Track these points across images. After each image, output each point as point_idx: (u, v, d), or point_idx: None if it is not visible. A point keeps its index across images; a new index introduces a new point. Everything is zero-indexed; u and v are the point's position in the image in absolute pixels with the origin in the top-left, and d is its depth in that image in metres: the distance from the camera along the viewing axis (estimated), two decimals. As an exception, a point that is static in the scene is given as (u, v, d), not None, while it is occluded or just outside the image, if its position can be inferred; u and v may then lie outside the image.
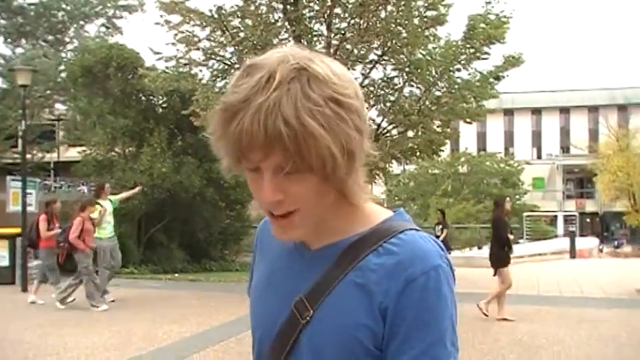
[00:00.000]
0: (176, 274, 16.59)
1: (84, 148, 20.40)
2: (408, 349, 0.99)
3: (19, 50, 25.86)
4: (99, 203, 11.01)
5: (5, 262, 14.38)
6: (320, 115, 0.93)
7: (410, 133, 14.83)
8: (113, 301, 11.06)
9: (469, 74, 14.41)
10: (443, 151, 16.84)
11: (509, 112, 48.99)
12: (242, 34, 13.45)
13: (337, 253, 1.07)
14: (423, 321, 0.99)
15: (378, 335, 1.01)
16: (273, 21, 13.54)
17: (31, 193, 14.60)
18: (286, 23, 13.40)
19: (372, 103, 14.52)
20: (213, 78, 14.53)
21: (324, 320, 1.04)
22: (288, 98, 0.92)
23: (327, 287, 1.05)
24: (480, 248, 22.54)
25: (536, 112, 52.16)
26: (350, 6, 13.17)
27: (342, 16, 13.54)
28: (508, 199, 11.08)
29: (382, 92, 14.47)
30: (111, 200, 11.37)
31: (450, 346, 1.01)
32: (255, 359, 1.18)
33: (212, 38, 13.78)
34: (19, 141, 18.86)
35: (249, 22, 13.39)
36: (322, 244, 1.10)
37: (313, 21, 13.65)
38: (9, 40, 25.47)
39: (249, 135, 0.93)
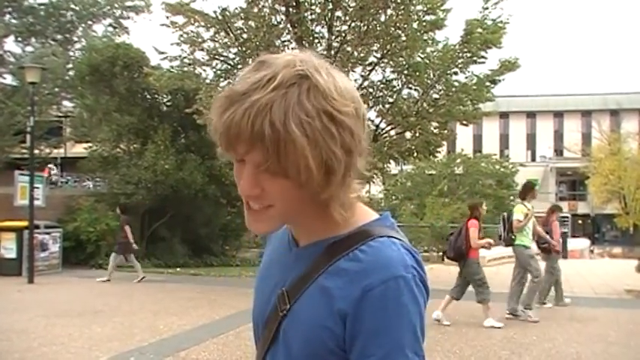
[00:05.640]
0: (178, 269, 16.76)
1: (90, 144, 20.61)
2: (368, 355, 1.00)
3: (28, 49, 25.92)
4: (525, 205, 9.55)
5: (12, 255, 14.66)
6: (307, 125, 0.94)
7: (408, 135, 14.95)
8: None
9: (466, 77, 14.54)
10: (439, 152, 16.94)
11: (504, 115, 49.36)
12: (245, 36, 13.61)
13: (317, 254, 1.08)
14: (381, 329, 0.99)
15: (340, 337, 1.02)
16: (275, 23, 13.69)
17: (38, 188, 14.83)
18: (288, 25, 13.51)
19: (370, 104, 14.70)
20: (217, 78, 14.67)
21: (296, 317, 1.08)
22: (281, 102, 0.93)
23: (302, 285, 1.08)
24: None
25: (531, 115, 52.49)
26: (351, 9, 13.29)
27: (342, 19, 13.67)
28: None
29: (381, 94, 14.66)
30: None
31: (412, 354, 1.01)
32: (256, 344, 1.23)
33: (216, 39, 13.97)
34: (28, 137, 19.08)
35: (252, 23, 13.53)
36: (307, 242, 1.12)
37: (314, 23, 13.79)
38: (19, 38, 25.54)
39: (236, 128, 0.95)
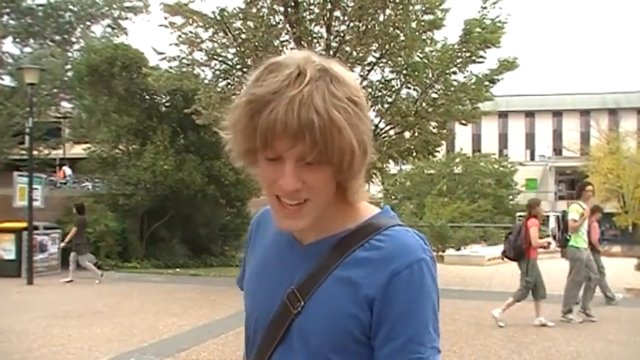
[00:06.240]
0: (177, 269, 16.80)
1: (89, 145, 20.60)
2: (396, 336, 1.06)
3: (27, 50, 25.93)
4: (580, 205, 9.39)
5: (12, 256, 14.64)
6: (344, 111, 1.01)
7: (407, 134, 14.90)
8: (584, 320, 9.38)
9: (465, 77, 14.51)
10: (439, 151, 16.87)
11: (503, 115, 49.41)
12: (244, 36, 13.56)
13: (327, 249, 1.14)
14: (408, 311, 1.07)
15: (366, 324, 1.08)
16: (274, 23, 13.65)
17: (37, 189, 14.83)
18: (287, 25, 13.49)
19: (370, 104, 14.74)
20: (216, 78, 14.67)
21: (315, 311, 1.11)
22: (317, 93, 1.00)
23: (317, 280, 1.12)
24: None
25: (530, 114, 52.58)
26: (349, 9, 13.26)
27: (341, 19, 13.64)
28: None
29: (380, 94, 14.63)
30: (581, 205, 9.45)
31: (433, 332, 1.09)
32: (249, 347, 1.27)
33: (214, 39, 13.92)
34: (26, 138, 19.10)
35: (250, 24, 13.51)
36: (313, 240, 1.17)
37: (313, 23, 13.75)
38: (18, 39, 25.54)
39: (282, 124, 0.98)
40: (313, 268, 1.14)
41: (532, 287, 8.98)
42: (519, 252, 8.96)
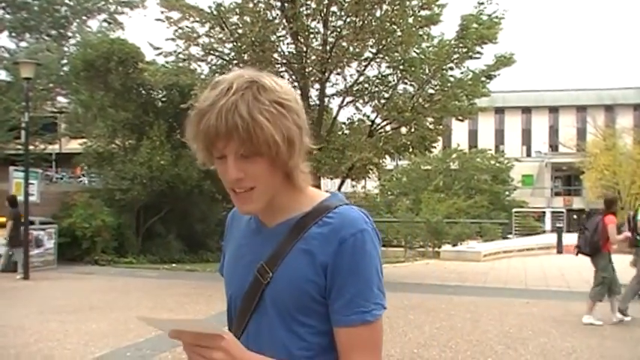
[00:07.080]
0: (173, 264, 16.78)
1: (85, 140, 20.56)
2: (345, 293, 1.29)
3: (23, 44, 25.85)
4: None
5: (8, 250, 14.62)
6: (266, 112, 1.23)
7: (403, 130, 14.96)
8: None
9: (461, 73, 14.56)
10: (435, 147, 16.90)
11: (500, 111, 49.48)
12: (240, 31, 13.55)
13: (288, 229, 1.36)
14: (354, 271, 1.29)
15: (322, 287, 1.31)
16: (271, 18, 13.66)
17: (33, 184, 14.78)
18: (284, 20, 13.51)
19: (366, 99, 14.74)
20: (212, 73, 14.60)
21: (281, 279, 1.33)
22: (242, 101, 1.22)
23: (281, 255, 1.34)
24: None
25: (526, 110, 52.66)
26: (346, 4, 13.27)
27: (338, 14, 13.67)
28: None
29: (376, 89, 14.66)
30: None
31: (377, 290, 1.31)
32: (228, 319, 1.47)
33: (211, 34, 13.91)
34: (22, 132, 19.08)
35: (247, 19, 13.49)
36: (275, 223, 1.39)
37: (310, 18, 13.75)
38: (13, 34, 25.49)
39: (214, 128, 1.23)
40: (277, 246, 1.36)
41: (609, 284, 8.90)
42: (596, 248, 8.88)
